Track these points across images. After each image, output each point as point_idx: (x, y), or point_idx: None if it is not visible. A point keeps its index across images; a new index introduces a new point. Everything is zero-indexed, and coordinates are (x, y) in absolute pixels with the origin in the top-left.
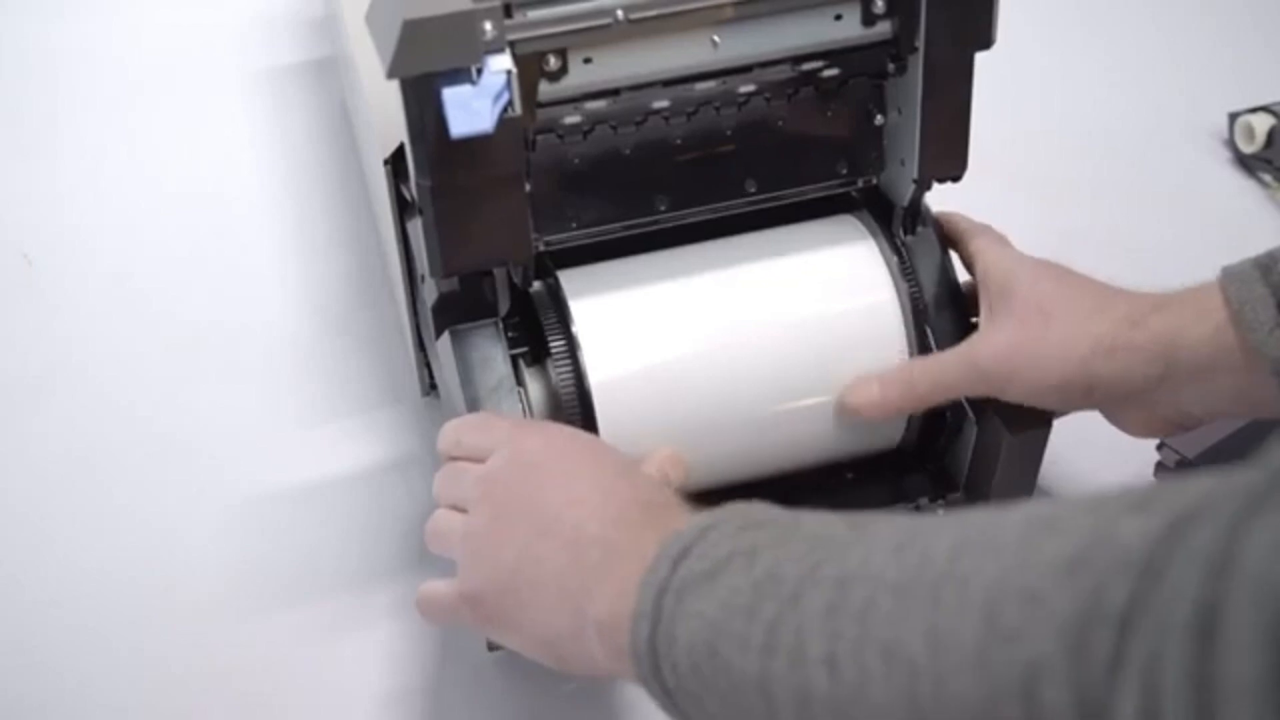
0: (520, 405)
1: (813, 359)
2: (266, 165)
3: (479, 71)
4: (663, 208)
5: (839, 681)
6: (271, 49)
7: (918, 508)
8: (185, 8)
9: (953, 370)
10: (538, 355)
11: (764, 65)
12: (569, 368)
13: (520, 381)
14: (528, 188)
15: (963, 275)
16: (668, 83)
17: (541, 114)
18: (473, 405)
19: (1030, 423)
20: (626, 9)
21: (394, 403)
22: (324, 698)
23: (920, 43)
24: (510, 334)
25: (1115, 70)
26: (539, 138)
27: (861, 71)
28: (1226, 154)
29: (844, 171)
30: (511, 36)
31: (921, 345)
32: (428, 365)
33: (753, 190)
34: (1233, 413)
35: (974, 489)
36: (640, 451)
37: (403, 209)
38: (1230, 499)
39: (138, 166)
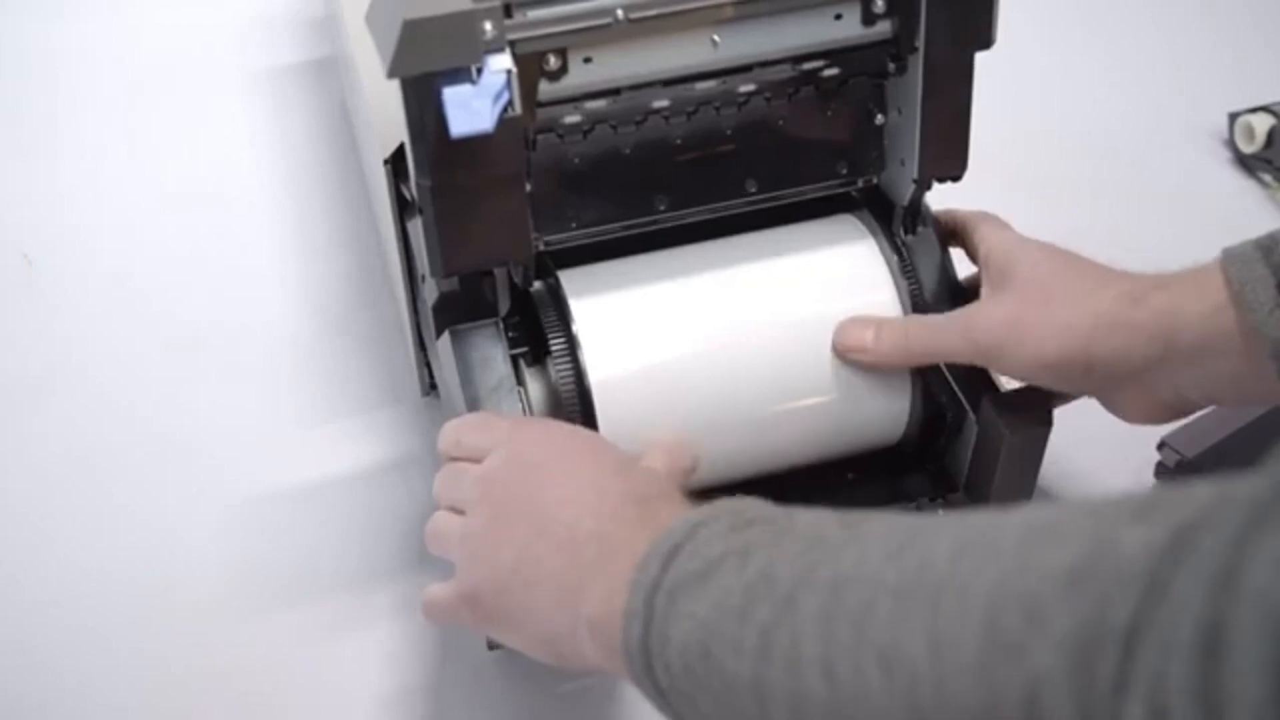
0: (520, 405)
1: (813, 358)
2: (266, 165)
3: (479, 71)
4: (663, 207)
5: (835, 687)
6: (271, 49)
7: (918, 507)
8: (185, 8)
9: (948, 335)
10: (538, 355)
11: (764, 65)
12: (569, 367)
13: (520, 381)
14: (528, 187)
15: (963, 272)
16: (668, 82)
17: (541, 113)
18: (473, 405)
19: (1030, 423)
20: (626, 9)
21: (394, 403)
22: (324, 698)
23: (920, 42)
24: (510, 334)
25: (1115, 70)
26: (539, 137)
27: (862, 71)
28: (1226, 154)
29: (844, 171)
30: (511, 36)
31: None
32: (428, 365)
33: (753, 190)
34: (1231, 398)
35: (974, 489)
36: (643, 448)
37: (403, 209)
38: (1234, 510)
39: (138, 166)
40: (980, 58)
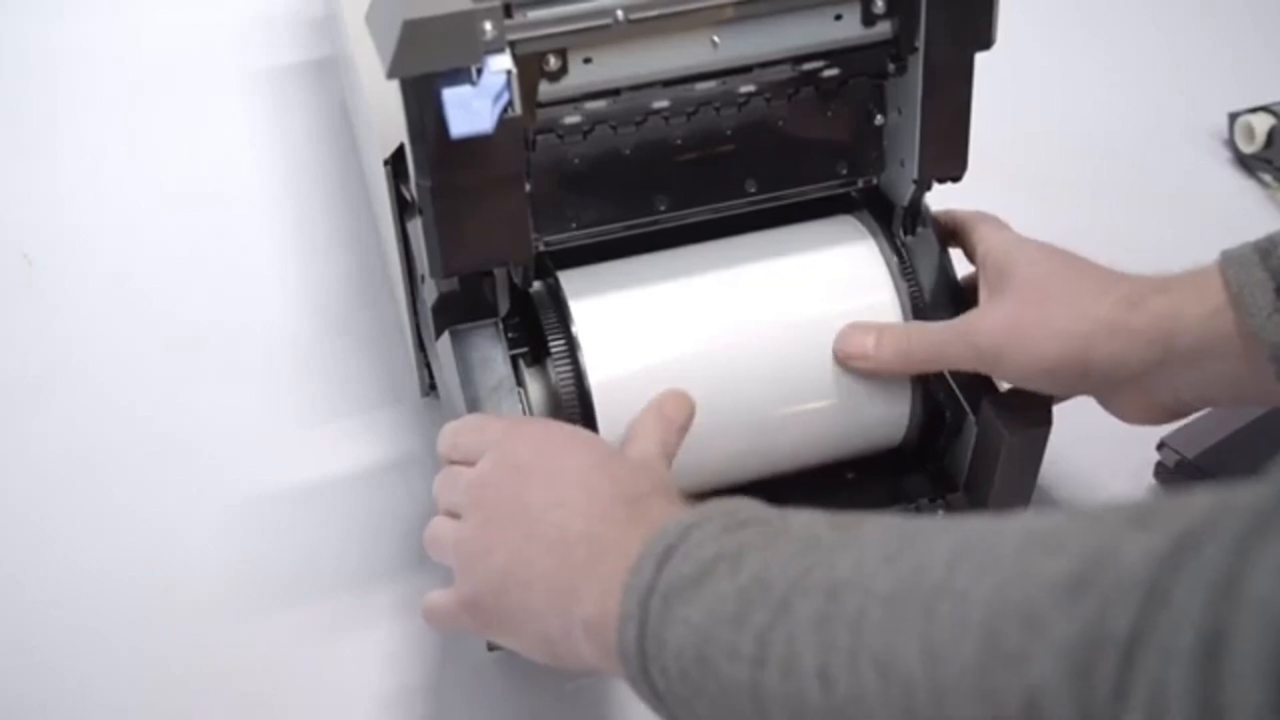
0: (520, 405)
1: (813, 359)
2: (266, 165)
3: (479, 72)
4: (663, 208)
5: (832, 692)
6: (271, 49)
7: (917, 508)
8: (185, 8)
9: (947, 341)
10: (538, 355)
11: (764, 65)
12: (569, 368)
13: (520, 382)
14: (528, 188)
15: (962, 272)
16: (668, 83)
17: (541, 114)
18: (473, 405)
19: (1030, 423)
20: (626, 9)
21: (394, 403)
22: (324, 698)
23: (920, 43)
24: (510, 334)
25: (1115, 70)
26: (539, 138)
27: (862, 71)
28: (1226, 154)
29: (844, 172)
30: (511, 36)
31: None
32: (428, 365)
33: (753, 190)
34: (1229, 401)
35: (974, 489)
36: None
37: (403, 209)
38: (1235, 518)
39: (138, 166)
40: (980, 58)
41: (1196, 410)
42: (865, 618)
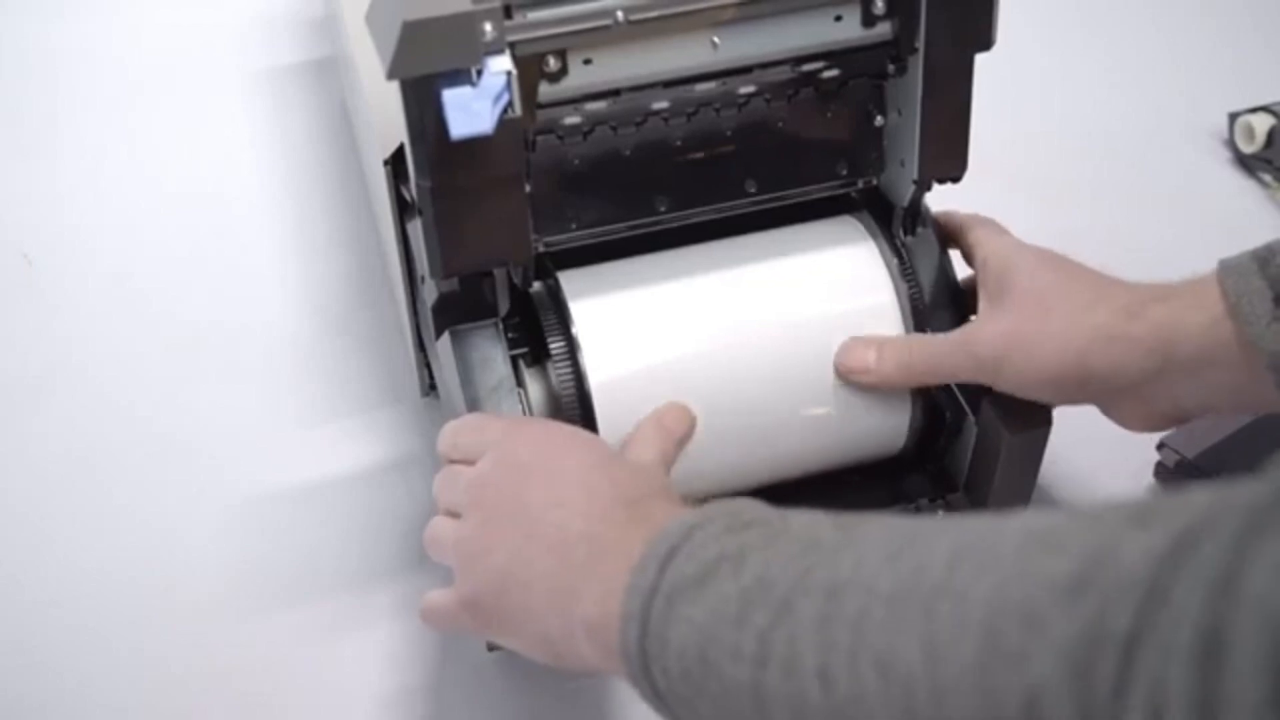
0: (520, 406)
1: (813, 360)
2: (266, 165)
3: (479, 73)
4: (663, 209)
5: (833, 692)
6: (271, 49)
7: (917, 508)
8: (185, 8)
9: (948, 353)
10: (538, 356)
11: (764, 66)
12: (569, 369)
13: (520, 382)
14: (528, 188)
15: (962, 273)
16: (668, 84)
17: (541, 115)
18: (473, 406)
19: (1030, 423)
20: (626, 10)
21: (394, 403)
22: (324, 698)
23: (920, 43)
24: (510, 334)
25: (1115, 71)
26: (539, 138)
27: (861, 72)
28: (1226, 154)
29: (844, 172)
30: (511, 38)
31: None
32: (428, 365)
33: (753, 191)
34: (1229, 408)
35: (974, 489)
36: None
37: (403, 209)
38: (1234, 516)
39: (138, 166)
40: (980, 58)
41: (1196, 418)
42: (866, 617)
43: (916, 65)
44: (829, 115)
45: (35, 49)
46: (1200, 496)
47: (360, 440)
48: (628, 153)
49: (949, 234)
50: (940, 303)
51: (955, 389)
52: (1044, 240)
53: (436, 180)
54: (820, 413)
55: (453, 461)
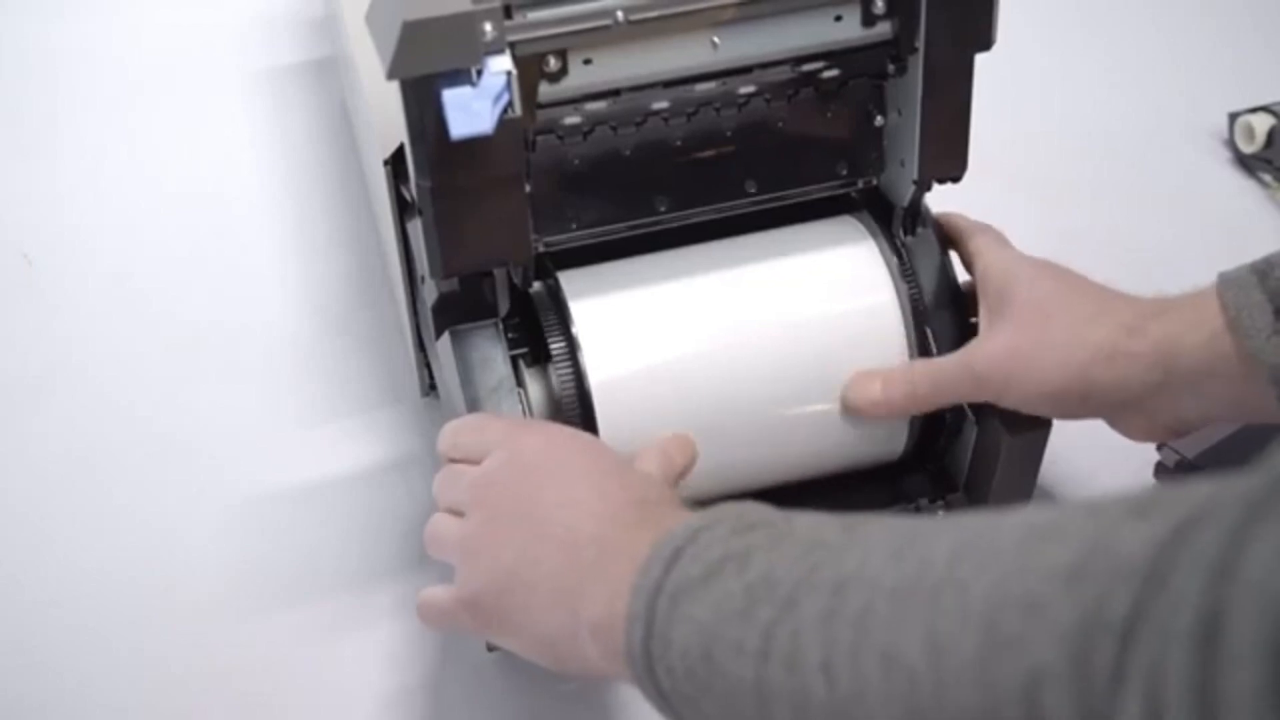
0: (520, 406)
1: (813, 360)
2: (266, 165)
3: (479, 73)
4: (663, 208)
5: (836, 688)
6: (271, 49)
7: (917, 508)
8: (185, 8)
9: (952, 376)
10: (538, 356)
11: (764, 66)
12: (569, 369)
13: (520, 382)
14: (528, 188)
15: (962, 275)
16: (668, 84)
17: (541, 115)
18: (473, 406)
19: (1030, 424)
20: (626, 10)
21: (394, 403)
22: (324, 698)
23: (920, 43)
24: (510, 334)
25: (1115, 71)
26: (539, 138)
27: (862, 72)
28: (1226, 154)
29: (844, 172)
30: (511, 38)
31: (921, 346)
32: (428, 365)
33: (753, 191)
34: (1230, 419)
35: (974, 490)
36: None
37: (403, 209)
38: (1232, 505)
39: (138, 166)
40: (980, 58)
41: (1198, 429)
42: (869, 613)
43: (916, 65)
44: (829, 115)
45: (35, 49)
46: (1199, 488)
47: (360, 440)
48: (628, 153)
49: (949, 238)
50: (940, 303)
51: None
52: (1044, 240)
53: (436, 180)
54: (820, 412)
55: (454, 461)
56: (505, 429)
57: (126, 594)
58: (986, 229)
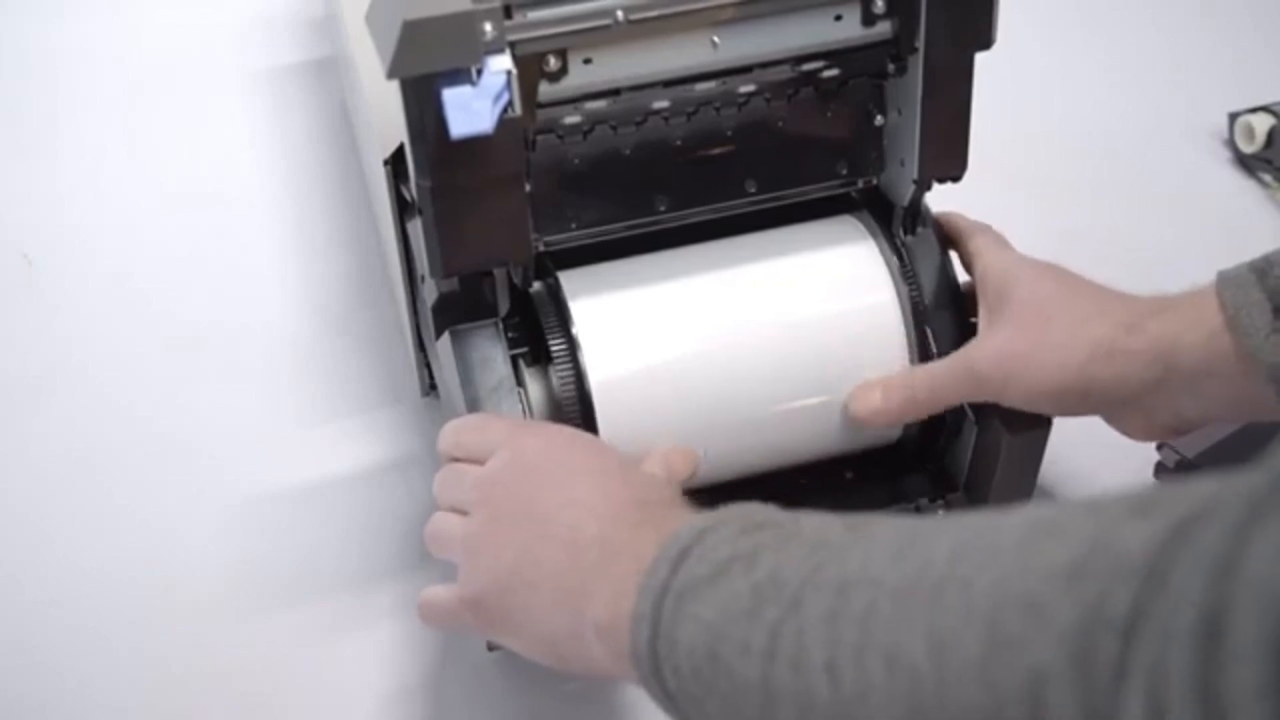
0: (520, 406)
1: (813, 359)
2: (266, 165)
3: (479, 72)
4: (663, 208)
5: (840, 687)
6: (271, 49)
7: (917, 508)
8: (185, 8)
9: (951, 377)
10: (538, 356)
11: (764, 66)
12: (569, 368)
13: (520, 382)
14: (528, 188)
15: (962, 275)
16: (668, 83)
17: (541, 114)
18: (473, 405)
19: (1030, 423)
20: (626, 9)
21: (394, 403)
22: (324, 698)
23: (920, 43)
24: (510, 334)
25: (1115, 70)
26: (539, 138)
27: (861, 72)
28: (1226, 154)
29: (844, 172)
30: (511, 37)
31: (921, 346)
32: (428, 365)
33: (753, 190)
34: (1229, 417)
35: (974, 489)
36: (641, 452)
37: (403, 209)
38: (1233, 503)
39: (138, 166)
40: (980, 58)
41: (1198, 427)
42: (872, 613)
43: (916, 65)
44: (829, 115)
45: (35, 49)
46: (1200, 486)
47: (360, 440)
48: (628, 152)
49: (949, 238)
50: (941, 302)
51: None
52: (1044, 240)
53: (436, 180)
54: (819, 407)
55: (456, 460)
56: (508, 429)
57: (126, 594)
58: (986, 229)
